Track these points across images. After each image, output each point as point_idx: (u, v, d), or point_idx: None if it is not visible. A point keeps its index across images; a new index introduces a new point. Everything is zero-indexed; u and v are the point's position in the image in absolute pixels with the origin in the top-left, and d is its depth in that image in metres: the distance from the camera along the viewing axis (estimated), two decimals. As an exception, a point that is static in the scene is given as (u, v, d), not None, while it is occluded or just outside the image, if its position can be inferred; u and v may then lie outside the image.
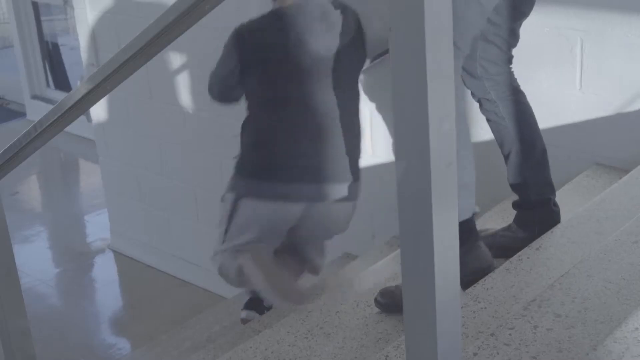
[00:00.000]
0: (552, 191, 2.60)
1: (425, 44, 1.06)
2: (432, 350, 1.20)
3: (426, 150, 1.11)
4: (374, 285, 3.07)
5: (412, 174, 1.14)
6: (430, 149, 1.10)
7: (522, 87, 2.81)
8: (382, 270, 3.28)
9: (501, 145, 2.67)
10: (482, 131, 3.10)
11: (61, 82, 7.56)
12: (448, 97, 1.12)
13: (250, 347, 2.81)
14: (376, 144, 3.56)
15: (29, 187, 6.44)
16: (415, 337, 1.23)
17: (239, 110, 3.97)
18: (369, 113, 3.51)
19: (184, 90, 4.26)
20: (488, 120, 2.67)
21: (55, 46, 7.72)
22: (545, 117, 2.94)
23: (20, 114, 7.60)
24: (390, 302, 2.65)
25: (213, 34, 3.97)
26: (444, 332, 1.19)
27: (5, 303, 1.83)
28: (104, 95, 1.61)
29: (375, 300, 2.69)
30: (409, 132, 1.13)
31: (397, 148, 1.14)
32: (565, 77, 2.88)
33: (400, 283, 2.56)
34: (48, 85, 7.54)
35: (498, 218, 3.01)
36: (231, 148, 4.11)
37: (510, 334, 1.85)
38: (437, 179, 1.12)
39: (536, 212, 2.56)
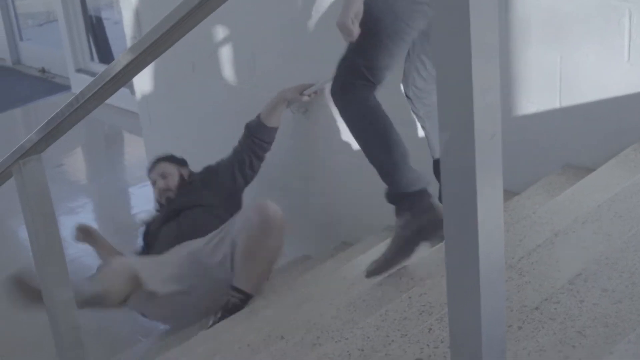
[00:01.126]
0: None
1: (470, 13, 1.04)
2: (475, 324, 1.18)
3: (470, 121, 1.09)
4: (417, 260, 3.05)
5: (456, 146, 1.12)
6: (474, 120, 1.09)
7: (568, 60, 2.78)
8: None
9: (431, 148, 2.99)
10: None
11: (105, 55, 7.61)
12: (492, 68, 1.10)
13: (293, 319, 2.81)
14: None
15: (74, 159, 6.50)
16: (459, 310, 1.22)
17: (281, 83, 3.96)
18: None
19: (227, 63, 4.25)
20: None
21: (99, 20, 7.76)
22: (592, 90, 2.89)
23: (64, 88, 7.66)
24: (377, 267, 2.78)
25: (256, 5, 3.96)
26: (487, 305, 1.17)
27: (50, 274, 1.85)
28: (145, 67, 1.60)
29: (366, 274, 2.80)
30: (452, 103, 1.11)
31: (441, 120, 1.12)
32: (613, 50, 2.82)
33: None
34: (92, 59, 7.59)
35: (543, 192, 2.97)
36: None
37: (555, 309, 1.83)
38: (481, 150, 1.10)
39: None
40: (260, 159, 4.01)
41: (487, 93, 1.08)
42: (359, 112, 2.59)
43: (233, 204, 3.94)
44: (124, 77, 1.61)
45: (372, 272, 2.79)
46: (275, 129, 3.95)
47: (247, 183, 4.04)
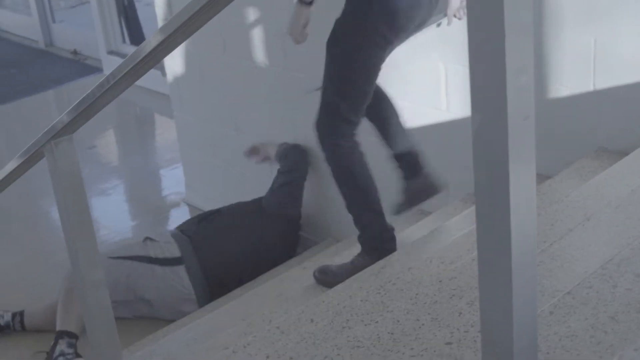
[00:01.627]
0: None
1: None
2: (507, 308, 1.17)
3: (503, 102, 1.07)
4: (448, 243, 3.04)
5: (488, 127, 1.11)
6: (507, 101, 1.07)
7: (602, 42, 2.74)
8: (456, 227, 3.25)
9: None
10: (561, 86, 3.03)
11: (137, 37, 7.63)
12: (526, 48, 1.08)
13: (323, 302, 2.81)
14: (451, 99, 3.50)
15: (106, 141, 6.54)
16: (490, 294, 1.21)
17: (311, 65, 3.94)
18: (443, 67, 3.45)
19: (258, 45, 4.25)
20: None
21: (131, 2, 7.78)
22: (626, 73, 2.85)
23: (96, 69, 7.70)
24: (323, 279, 3.08)
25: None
26: (519, 289, 1.16)
27: (81, 254, 1.86)
28: (175, 47, 1.59)
29: (314, 274, 3.10)
30: (485, 84, 1.10)
31: (473, 101, 1.10)
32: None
33: (341, 264, 3.11)
34: (124, 40, 7.61)
35: (576, 175, 2.95)
36: (303, 103, 4.10)
37: (587, 293, 1.81)
38: (514, 132, 1.09)
39: None
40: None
41: (521, 74, 1.06)
42: (344, 164, 2.96)
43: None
44: (155, 58, 1.60)
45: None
46: None
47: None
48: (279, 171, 4.18)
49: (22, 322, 3.91)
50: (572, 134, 3.08)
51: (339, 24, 2.86)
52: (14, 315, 3.92)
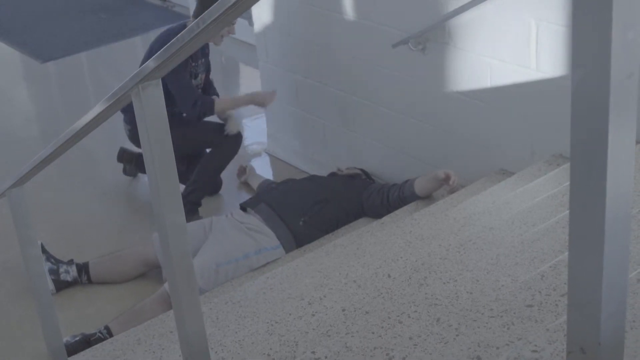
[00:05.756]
0: None
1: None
2: (597, 271, 1.13)
3: (607, 58, 1.02)
4: (531, 205, 2.98)
5: (590, 84, 1.06)
6: (612, 57, 1.02)
7: None
8: (540, 189, 3.18)
9: None
10: None
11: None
12: (635, 3, 1.03)
13: (401, 258, 2.79)
14: (540, 57, 3.41)
15: (191, 89, 6.57)
16: (581, 256, 1.17)
17: (399, 18, 3.90)
18: (534, 25, 3.36)
19: (346, -4, 4.20)
20: None
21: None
22: None
23: (184, 17, 7.73)
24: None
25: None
26: (610, 253, 1.12)
27: (164, 197, 1.87)
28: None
29: None
30: (589, 38, 1.05)
31: (575, 55, 1.06)
32: None
33: None
34: (213, -12, 7.62)
35: None
36: (387, 58, 4.06)
37: (678, 262, 1.75)
38: (616, 90, 1.04)
39: None
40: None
41: (628, 29, 1.01)
42: None
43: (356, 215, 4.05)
44: (244, 4, 1.58)
45: None
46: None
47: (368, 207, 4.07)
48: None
49: (88, 275, 3.98)
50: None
51: None
52: (79, 270, 3.96)
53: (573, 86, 1.08)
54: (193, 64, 4.42)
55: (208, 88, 4.72)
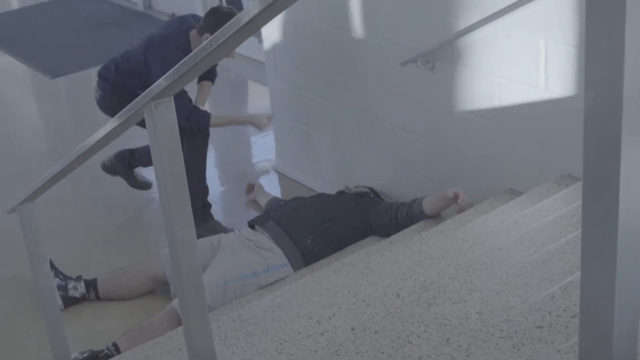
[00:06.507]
0: None
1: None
2: (609, 293, 1.13)
3: (619, 79, 1.03)
4: (540, 225, 2.98)
5: (602, 104, 1.06)
6: (624, 78, 1.02)
7: None
8: (549, 209, 3.18)
9: None
10: None
11: (235, 1, 7.66)
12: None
13: (410, 277, 2.79)
14: (549, 77, 3.42)
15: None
16: (592, 276, 1.17)
17: (408, 37, 3.91)
18: (543, 44, 3.37)
19: (355, 15, 4.22)
20: None
21: (230, -33, 7.81)
22: None
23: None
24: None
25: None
26: (623, 272, 1.12)
27: (175, 213, 1.87)
28: (275, 16, 1.58)
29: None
30: (601, 58, 1.05)
31: (588, 76, 1.06)
32: None
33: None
34: (221, 3, 7.65)
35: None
36: (396, 76, 4.07)
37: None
38: (628, 110, 1.04)
39: None
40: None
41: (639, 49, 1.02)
42: None
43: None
44: (255, 25, 1.59)
45: None
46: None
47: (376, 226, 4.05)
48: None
49: (96, 292, 3.98)
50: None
51: None
52: (87, 286, 3.96)
53: (585, 107, 1.09)
54: None
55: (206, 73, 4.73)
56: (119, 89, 4.49)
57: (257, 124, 4.78)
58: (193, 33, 4.33)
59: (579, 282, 1.20)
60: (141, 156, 4.85)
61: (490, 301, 2.25)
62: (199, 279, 1.97)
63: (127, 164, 4.94)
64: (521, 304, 2.17)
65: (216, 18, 4.16)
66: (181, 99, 4.30)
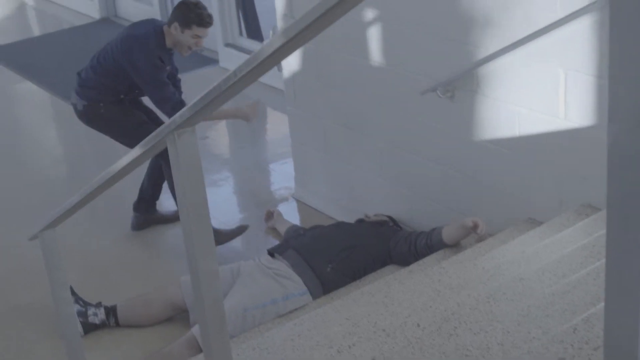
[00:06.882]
0: None
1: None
2: (633, 325, 1.13)
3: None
4: (560, 255, 2.97)
5: (626, 138, 1.07)
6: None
7: None
8: (569, 239, 3.17)
9: None
10: None
11: (254, 31, 7.71)
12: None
13: (430, 307, 2.79)
14: (569, 107, 3.42)
15: (218, 132, 6.63)
16: (616, 310, 1.16)
17: (427, 66, 3.92)
18: (563, 74, 3.37)
19: (375, 43, 4.24)
20: None
21: (250, -4, 7.86)
22: None
23: (213, 61, 7.81)
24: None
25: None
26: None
27: (197, 243, 1.88)
28: (298, 48, 1.60)
29: None
30: (624, 92, 1.06)
31: (611, 110, 1.06)
32: None
33: None
34: (241, 34, 7.70)
35: None
36: (415, 105, 4.08)
37: None
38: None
39: None
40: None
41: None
42: None
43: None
44: (277, 57, 1.61)
45: None
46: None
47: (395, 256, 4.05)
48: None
49: (116, 318, 3.99)
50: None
51: None
52: (107, 313, 3.98)
53: (609, 140, 1.09)
54: (168, 67, 4.55)
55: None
56: (103, 94, 4.59)
57: (244, 118, 4.79)
58: (165, 28, 4.50)
59: (601, 314, 1.19)
60: (146, 197, 4.92)
61: (511, 332, 2.25)
62: (220, 308, 1.97)
63: (146, 210, 4.97)
64: (543, 335, 2.17)
65: (182, 9, 4.42)
66: (162, 83, 4.43)
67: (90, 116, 4.68)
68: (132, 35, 4.50)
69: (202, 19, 4.45)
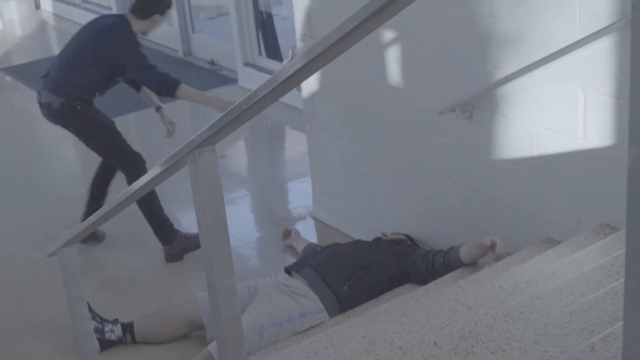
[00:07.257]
0: None
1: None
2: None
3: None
4: (578, 275, 2.97)
5: (646, 161, 1.07)
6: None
7: None
8: (587, 259, 3.17)
9: None
10: None
11: (272, 50, 7.75)
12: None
13: (447, 325, 2.78)
14: (588, 127, 3.42)
15: (237, 151, 6.66)
16: (635, 329, 1.17)
17: (445, 85, 3.93)
18: (582, 94, 3.38)
19: (393, 63, 4.26)
20: None
21: (269, 16, 7.91)
22: None
23: (232, 80, 7.87)
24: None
25: (425, 6, 3.94)
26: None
27: (216, 261, 1.90)
28: (318, 70, 1.62)
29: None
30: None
31: (632, 132, 1.07)
32: None
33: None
34: (260, 53, 7.75)
35: None
36: (433, 124, 4.10)
37: None
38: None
39: None
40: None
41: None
42: None
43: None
44: (297, 78, 1.63)
45: None
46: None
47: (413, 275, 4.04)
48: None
49: (132, 335, 4.00)
50: None
51: None
52: (124, 329, 3.99)
53: (629, 163, 1.10)
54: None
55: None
56: (81, 92, 4.67)
57: (222, 109, 4.81)
58: (129, 15, 4.66)
59: (619, 333, 1.20)
60: (152, 220, 4.88)
61: (529, 351, 2.24)
62: (238, 325, 1.99)
63: (168, 237, 4.85)
64: (560, 354, 2.16)
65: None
66: (150, 65, 4.55)
67: (66, 114, 4.71)
68: (107, 26, 4.65)
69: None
